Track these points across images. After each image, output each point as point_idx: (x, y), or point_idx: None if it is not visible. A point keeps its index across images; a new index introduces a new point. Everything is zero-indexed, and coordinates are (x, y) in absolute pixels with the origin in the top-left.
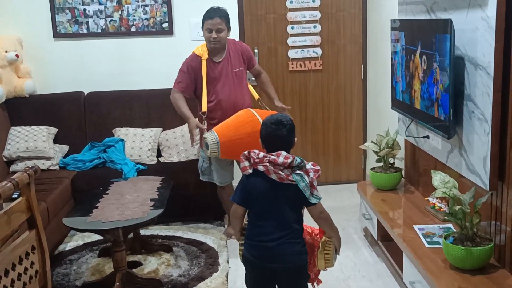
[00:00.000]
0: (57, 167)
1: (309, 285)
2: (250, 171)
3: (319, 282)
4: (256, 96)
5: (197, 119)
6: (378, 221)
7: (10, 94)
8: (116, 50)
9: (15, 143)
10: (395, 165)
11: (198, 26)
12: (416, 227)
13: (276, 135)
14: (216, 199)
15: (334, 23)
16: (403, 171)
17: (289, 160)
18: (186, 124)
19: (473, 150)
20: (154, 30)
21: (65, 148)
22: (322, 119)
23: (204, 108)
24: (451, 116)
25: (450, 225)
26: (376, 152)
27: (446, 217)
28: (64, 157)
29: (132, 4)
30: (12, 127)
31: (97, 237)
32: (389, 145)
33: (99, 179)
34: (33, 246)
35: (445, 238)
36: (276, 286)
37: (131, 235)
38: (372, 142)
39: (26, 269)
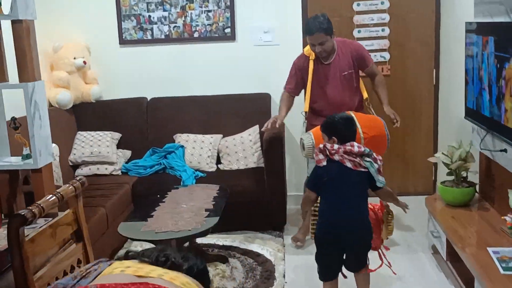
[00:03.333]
0: (119, 172)
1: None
2: (325, 163)
3: (387, 248)
4: (365, 95)
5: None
6: (447, 240)
7: (78, 99)
8: (178, 56)
9: (80, 148)
10: (468, 179)
11: (260, 31)
12: (490, 249)
13: (350, 129)
14: (276, 208)
15: (403, 25)
16: (477, 186)
17: (362, 149)
18: (246, 131)
19: None
20: (217, 35)
21: (128, 153)
22: (388, 126)
23: (306, 108)
24: None
25: None
26: (447, 165)
27: None
28: (127, 162)
29: (195, 10)
30: (79, 132)
31: None
32: (462, 158)
33: (158, 185)
34: (79, 260)
35: None
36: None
37: (187, 243)
38: (442, 153)
39: None
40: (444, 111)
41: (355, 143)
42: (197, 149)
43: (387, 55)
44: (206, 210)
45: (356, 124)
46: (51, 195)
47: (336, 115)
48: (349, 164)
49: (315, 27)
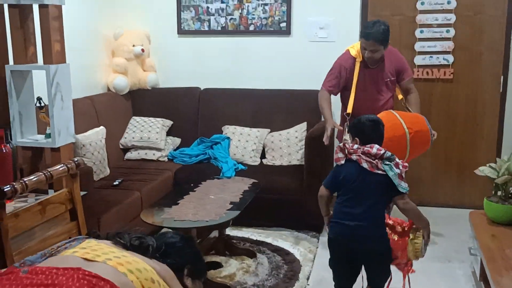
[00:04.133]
0: (165, 159)
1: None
2: (343, 162)
3: (413, 271)
4: (400, 96)
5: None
6: (481, 259)
7: (135, 86)
8: (233, 48)
9: (132, 132)
10: None
11: (316, 27)
12: None
13: (373, 131)
14: (313, 208)
15: (470, 27)
16: None
17: (381, 152)
18: (294, 128)
19: None
20: (272, 29)
21: (178, 140)
22: (446, 133)
23: (350, 109)
24: None
25: None
26: (492, 179)
27: None
28: (175, 149)
29: (252, 3)
30: (133, 117)
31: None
32: (511, 172)
33: (199, 174)
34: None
35: None
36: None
37: (215, 234)
38: (489, 166)
39: None
40: (511, 120)
41: (376, 145)
42: (243, 142)
43: (450, 58)
44: (231, 203)
45: (383, 127)
46: (39, 173)
47: (363, 116)
48: (365, 165)
49: (374, 35)
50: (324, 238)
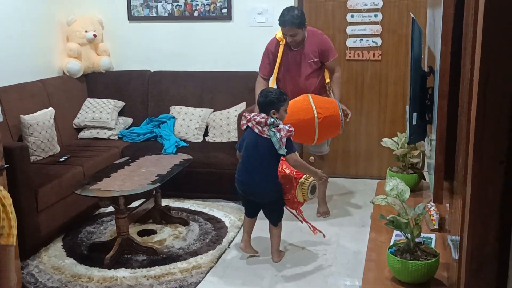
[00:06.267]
0: (116, 137)
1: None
2: (245, 127)
3: (300, 211)
4: (327, 80)
5: None
6: None
7: (89, 69)
8: (180, 33)
9: (85, 113)
10: (418, 166)
11: (255, 12)
12: (395, 232)
13: (261, 102)
14: None
15: (397, 11)
16: (425, 173)
17: (263, 120)
18: (234, 107)
19: (431, 160)
20: (214, 15)
21: (129, 120)
22: (378, 111)
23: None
24: (413, 120)
25: (432, 236)
26: (393, 151)
27: (386, 224)
28: (127, 128)
29: None
30: (88, 99)
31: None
32: (409, 144)
33: (144, 151)
34: None
35: (391, 247)
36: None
37: (152, 204)
38: (392, 139)
39: None
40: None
41: (262, 114)
42: (187, 121)
43: (378, 41)
44: (158, 175)
45: (275, 99)
46: None
47: (264, 89)
48: (256, 130)
49: (289, 20)
50: None
